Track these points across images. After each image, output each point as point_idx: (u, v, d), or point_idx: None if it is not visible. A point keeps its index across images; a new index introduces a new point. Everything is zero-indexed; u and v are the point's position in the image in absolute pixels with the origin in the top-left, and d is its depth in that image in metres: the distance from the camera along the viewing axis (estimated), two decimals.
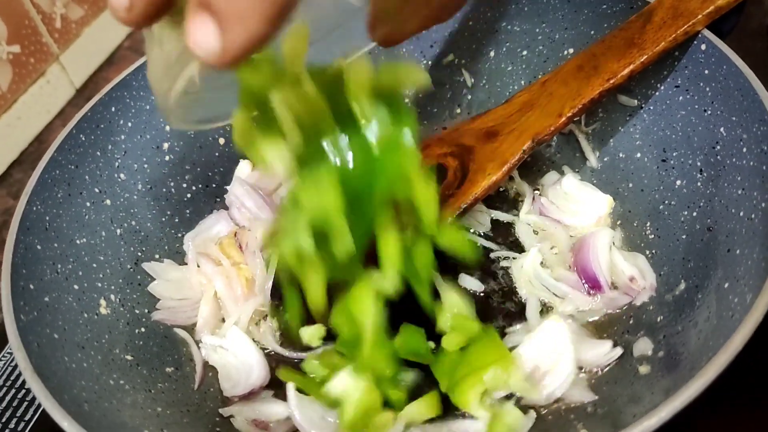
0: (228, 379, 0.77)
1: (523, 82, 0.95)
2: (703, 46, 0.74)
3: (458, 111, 1.00)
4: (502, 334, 0.76)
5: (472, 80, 0.99)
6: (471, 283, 0.82)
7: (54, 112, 1.27)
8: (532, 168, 0.93)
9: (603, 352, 0.70)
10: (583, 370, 0.71)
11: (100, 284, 0.78)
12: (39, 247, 0.72)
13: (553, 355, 0.68)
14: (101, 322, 0.75)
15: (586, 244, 0.80)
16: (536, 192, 0.90)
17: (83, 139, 0.81)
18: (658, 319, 0.72)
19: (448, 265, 0.83)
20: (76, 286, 0.75)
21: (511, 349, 0.70)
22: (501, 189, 0.92)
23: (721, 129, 0.72)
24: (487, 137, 0.79)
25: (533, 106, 0.78)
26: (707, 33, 0.74)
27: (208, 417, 0.74)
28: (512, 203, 0.91)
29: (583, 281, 0.79)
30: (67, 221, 0.77)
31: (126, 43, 1.42)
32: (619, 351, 0.71)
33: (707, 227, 0.72)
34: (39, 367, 0.61)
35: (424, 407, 0.68)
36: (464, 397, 0.67)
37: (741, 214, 0.67)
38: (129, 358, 0.74)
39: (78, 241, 0.78)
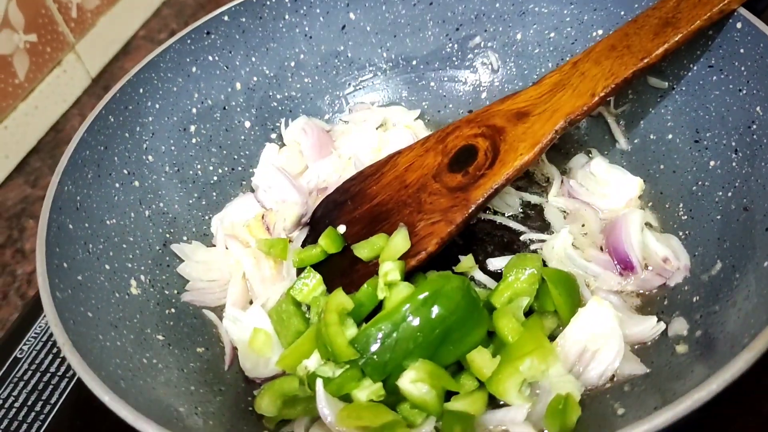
0: (247, 359, 0.76)
1: (550, 65, 0.94)
2: (739, 24, 0.74)
3: (484, 95, 1.00)
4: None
5: (499, 63, 0.98)
6: (500, 263, 0.82)
7: (70, 101, 1.27)
8: (560, 150, 0.92)
9: (649, 327, 0.70)
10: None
11: (130, 265, 0.78)
12: (71, 226, 0.72)
13: (600, 334, 0.68)
14: (132, 302, 0.75)
15: (618, 226, 0.79)
16: (564, 175, 0.90)
17: (112, 120, 0.81)
18: (694, 300, 0.72)
19: (477, 250, 0.83)
20: (107, 266, 0.74)
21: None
22: (529, 171, 0.91)
23: (758, 108, 0.72)
24: (518, 118, 0.79)
25: (565, 87, 0.78)
26: (743, 11, 0.73)
27: (240, 396, 0.74)
28: (540, 186, 0.90)
29: (615, 262, 0.78)
30: (97, 202, 0.77)
31: (141, 32, 1.42)
32: (662, 326, 0.70)
33: (743, 207, 0.71)
34: (76, 343, 0.61)
35: (468, 404, 0.67)
36: (502, 386, 0.67)
37: None
38: (160, 338, 0.74)
39: (108, 222, 0.77)
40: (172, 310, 0.79)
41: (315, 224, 0.87)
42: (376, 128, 0.98)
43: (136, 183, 0.83)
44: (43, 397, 0.82)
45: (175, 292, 0.81)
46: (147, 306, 0.76)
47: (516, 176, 0.76)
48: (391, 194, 0.82)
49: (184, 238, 0.86)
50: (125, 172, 0.82)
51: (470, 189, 0.77)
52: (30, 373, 0.85)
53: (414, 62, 1.01)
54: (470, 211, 0.75)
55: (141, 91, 0.85)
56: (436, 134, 0.84)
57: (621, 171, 0.86)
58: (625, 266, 0.78)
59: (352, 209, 0.84)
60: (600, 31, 0.89)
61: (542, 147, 0.76)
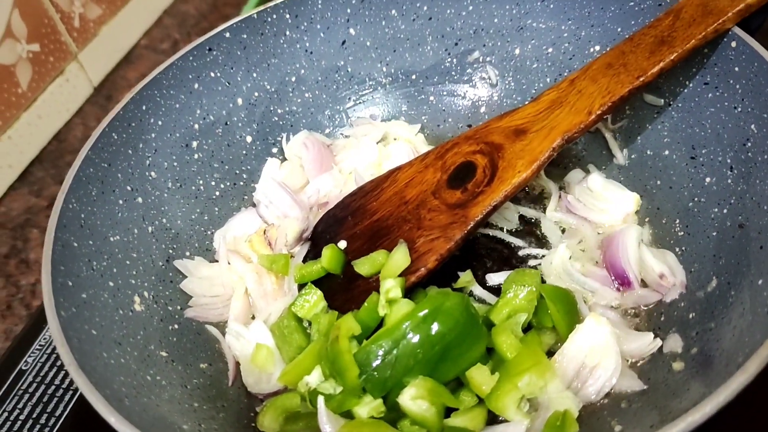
0: (250, 374, 0.77)
1: (548, 80, 0.95)
2: (734, 44, 0.74)
3: (483, 109, 1.00)
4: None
5: (498, 77, 0.99)
6: (499, 278, 0.83)
7: (73, 110, 1.28)
8: (558, 165, 0.93)
9: (645, 343, 0.71)
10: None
11: (133, 281, 0.79)
12: (75, 244, 0.73)
13: (598, 350, 0.69)
14: (136, 318, 0.76)
15: (615, 241, 0.80)
16: (561, 190, 0.91)
17: (115, 137, 0.82)
18: (690, 316, 0.73)
19: (477, 266, 0.84)
20: (111, 283, 0.75)
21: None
22: (527, 186, 0.92)
23: (752, 126, 0.73)
24: (516, 135, 0.80)
25: (562, 104, 0.79)
26: (738, 30, 0.74)
27: (243, 412, 0.75)
28: (538, 200, 0.91)
29: (612, 278, 0.79)
30: (101, 219, 0.78)
31: (143, 41, 1.43)
32: (659, 342, 0.71)
33: (739, 224, 0.72)
34: (81, 362, 0.61)
35: (468, 421, 0.68)
36: (501, 402, 0.68)
37: None
38: (164, 354, 0.75)
39: (111, 239, 0.78)
40: (176, 326, 0.80)
41: (316, 239, 0.88)
42: (377, 143, 0.99)
43: (140, 199, 0.84)
44: (48, 410, 0.83)
45: (178, 308, 0.82)
46: (150, 322, 0.77)
47: (514, 193, 0.77)
48: (391, 210, 0.83)
49: (187, 253, 0.87)
50: (129, 188, 0.83)
51: (469, 206, 0.78)
52: (35, 385, 0.86)
53: (413, 77, 1.02)
54: (469, 228, 0.76)
55: (144, 108, 0.86)
56: (436, 150, 0.85)
57: (618, 186, 0.87)
58: (622, 282, 0.79)
59: (352, 225, 0.85)
60: (597, 47, 0.90)
61: (540, 164, 0.77)
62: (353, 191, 0.89)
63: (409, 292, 0.76)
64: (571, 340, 0.70)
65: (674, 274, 0.77)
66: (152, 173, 0.86)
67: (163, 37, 1.44)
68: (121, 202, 0.81)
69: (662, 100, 0.84)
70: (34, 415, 0.83)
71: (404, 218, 0.82)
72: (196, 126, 0.91)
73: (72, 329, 0.65)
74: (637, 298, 0.78)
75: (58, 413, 0.83)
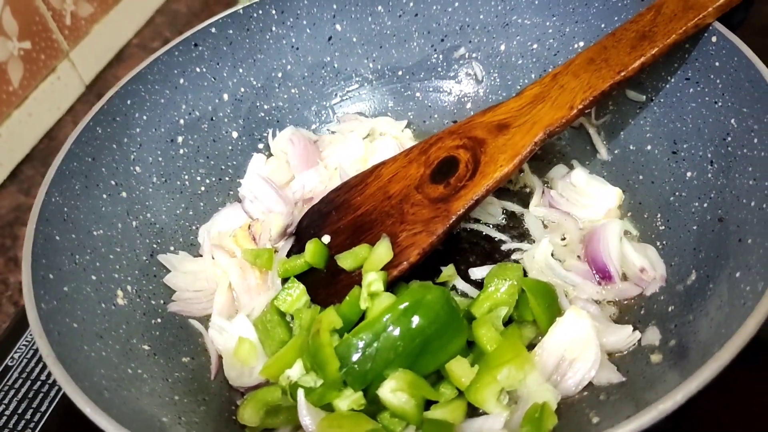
0: (232, 368, 0.77)
1: (533, 76, 0.95)
2: (714, 39, 0.75)
3: (469, 105, 1.01)
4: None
5: (483, 74, 0.99)
6: (481, 272, 0.83)
7: (64, 108, 1.28)
8: (542, 161, 0.94)
9: (625, 336, 0.71)
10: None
11: (116, 275, 0.79)
12: (57, 237, 0.73)
13: (578, 344, 0.69)
14: (118, 312, 0.76)
15: (597, 236, 0.81)
16: (545, 185, 0.91)
17: (100, 131, 0.82)
18: (669, 309, 0.73)
19: (460, 260, 0.85)
20: (93, 277, 0.75)
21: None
22: (510, 181, 0.92)
23: (732, 120, 0.73)
24: (498, 130, 0.80)
25: (544, 99, 0.79)
26: (718, 25, 0.75)
27: (224, 406, 0.75)
28: (521, 195, 0.92)
29: (594, 272, 0.80)
30: (84, 213, 0.78)
31: (135, 40, 1.43)
32: (638, 335, 0.72)
33: (718, 218, 0.73)
34: (60, 354, 0.62)
35: (447, 413, 0.68)
36: (480, 395, 0.68)
37: (752, 204, 0.68)
38: (146, 347, 0.75)
39: (95, 233, 0.79)
40: (159, 320, 0.80)
41: (300, 234, 0.89)
42: (363, 138, 0.99)
43: (124, 194, 0.84)
44: (33, 405, 0.83)
45: (162, 302, 0.82)
46: (133, 316, 0.77)
47: (496, 187, 0.78)
48: (375, 205, 0.83)
49: (171, 248, 0.87)
50: (113, 183, 0.83)
51: (451, 200, 0.78)
52: (20, 381, 0.86)
53: (400, 73, 1.02)
54: (451, 222, 0.77)
55: (129, 102, 0.86)
56: (420, 145, 0.85)
57: (601, 182, 0.88)
58: (603, 276, 0.79)
59: (336, 219, 0.85)
60: (581, 43, 0.90)
61: (522, 159, 0.77)
62: (338, 186, 0.89)
63: (391, 286, 0.77)
64: (551, 333, 0.71)
65: (655, 268, 0.77)
66: (137, 168, 0.86)
67: (155, 36, 1.45)
68: (105, 196, 0.82)
69: (644, 96, 0.85)
70: (20, 411, 0.83)
71: (387, 213, 0.82)
72: (182, 121, 0.92)
73: (53, 322, 0.65)
74: (617, 291, 0.78)
75: (43, 409, 0.83)
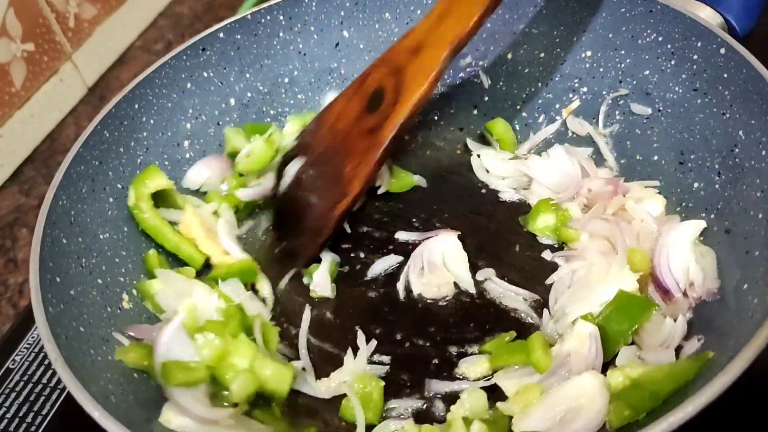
0: None
1: (539, 84, 0.96)
2: (723, 50, 0.75)
3: (475, 112, 1.01)
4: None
5: (489, 82, 0.99)
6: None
7: (66, 110, 1.28)
8: None
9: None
10: None
11: (122, 279, 0.79)
12: (64, 240, 0.73)
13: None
14: (124, 316, 0.76)
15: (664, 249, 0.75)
16: None
17: (107, 135, 0.82)
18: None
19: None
20: (99, 280, 0.75)
21: None
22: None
23: (740, 132, 0.73)
24: (413, 53, 0.81)
25: (449, 14, 0.79)
26: (727, 37, 0.75)
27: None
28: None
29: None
30: (91, 216, 0.78)
31: (138, 42, 1.43)
32: None
33: (725, 229, 0.73)
34: (68, 358, 0.61)
35: None
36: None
37: (760, 216, 0.68)
38: None
39: (101, 236, 0.78)
40: None
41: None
42: None
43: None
44: (35, 409, 0.83)
45: None
46: (138, 320, 0.77)
47: (418, 109, 0.79)
48: (328, 142, 0.86)
49: None
50: (119, 186, 0.83)
51: (381, 129, 0.80)
52: (22, 384, 0.85)
53: None
54: (382, 149, 0.80)
55: (136, 106, 0.86)
56: (356, 82, 0.87)
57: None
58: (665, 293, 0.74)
59: (305, 161, 0.88)
60: (589, 52, 0.91)
61: (435, 76, 0.79)
62: (302, 131, 0.92)
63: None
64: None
65: (705, 283, 0.72)
66: None
67: (158, 38, 1.44)
68: (111, 199, 0.81)
69: (650, 109, 0.85)
70: (21, 414, 0.82)
71: (336, 149, 0.85)
72: (189, 125, 0.92)
73: (60, 326, 0.65)
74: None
75: (44, 412, 0.82)
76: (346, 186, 0.81)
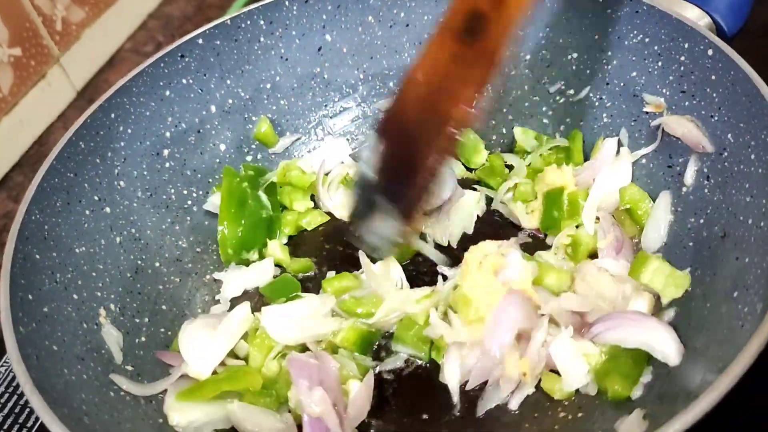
0: None
1: (525, 87, 0.94)
2: (710, 51, 0.73)
3: None
4: None
5: None
6: None
7: (55, 114, 1.27)
8: None
9: None
10: None
11: (99, 293, 0.77)
12: (38, 256, 0.72)
13: None
14: (100, 332, 0.74)
15: None
16: None
17: (83, 146, 0.81)
18: None
19: None
20: (75, 296, 0.74)
21: None
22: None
23: (729, 135, 0.72)
24: None
25: None
26: (715, 39, 0.73)
27: None
28: None
29: None
30: (66, 230, 0.76)
31: (127, 45, 1.42)
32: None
33: (715, 234, 0.71)
34: (39, 380, 0.60)
35: None
36: None
37: (750, 221, 0.66)
38: (129, 368, 0.74)
39: (77, 250, 0.77)
40: (142, 339, 0.79)
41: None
42: None
43: (107, 209, 0.82)
44: (20, 421, 0.82)
45: (146, 320, 0.81)
46: (115, 334, 0.75)
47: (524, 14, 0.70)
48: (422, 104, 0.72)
49: (157, 263, 0.86)
50: (96, 198, 0.81)
51: (486, 45, 0.68)
52: (6, 396, 0.85)
53: (391, 84, 1.00)
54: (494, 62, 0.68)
55: (113, 116, 0.84)
56: (441, 22, 0.70)
57: None
58: None
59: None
60: (575, 54, 0.89)
61: None
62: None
63: None
64: None
65: None
66: (121, 182, 0.85)
67: (147, 40, 1.43)
68: (87, 212, 0.80)
69: (662, 99, 0.82)
70: (5, 426, 0.81)
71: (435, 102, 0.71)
72: (168, 134, 0.90)
73: (31, 345, 0.64)
74: None
75: (29, 424, 0.82)
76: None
